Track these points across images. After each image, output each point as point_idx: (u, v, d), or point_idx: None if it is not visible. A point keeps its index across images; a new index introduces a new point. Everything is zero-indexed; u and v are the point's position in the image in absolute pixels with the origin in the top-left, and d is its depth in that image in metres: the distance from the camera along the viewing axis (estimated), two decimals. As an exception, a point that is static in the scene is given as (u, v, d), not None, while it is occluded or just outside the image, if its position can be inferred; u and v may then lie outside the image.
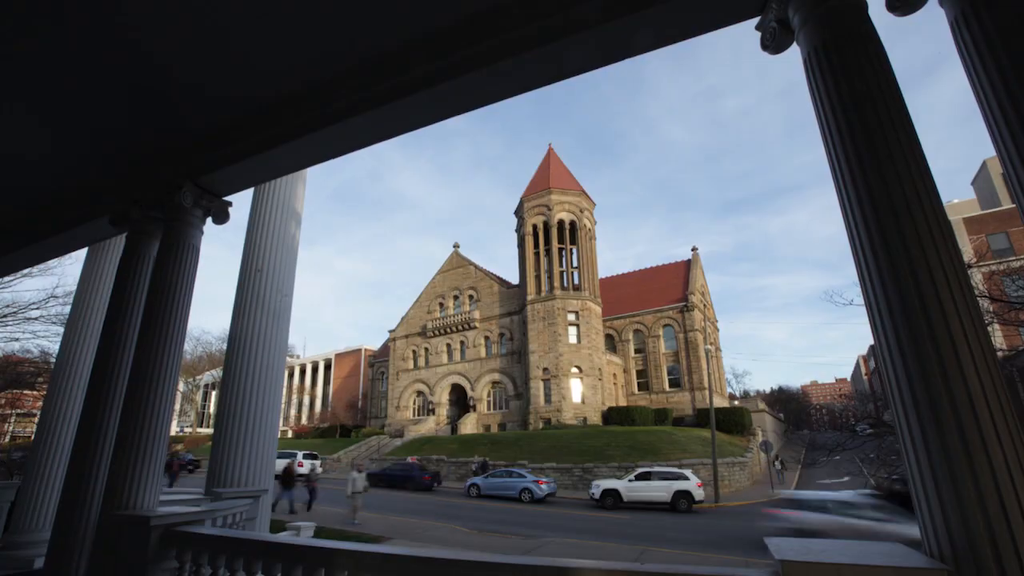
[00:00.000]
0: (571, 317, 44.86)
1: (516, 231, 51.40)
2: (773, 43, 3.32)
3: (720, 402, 46.91)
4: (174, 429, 62.11)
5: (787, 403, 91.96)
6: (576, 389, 42.96)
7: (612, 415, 42.12)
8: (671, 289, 51.42)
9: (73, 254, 7.91)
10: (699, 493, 21.81)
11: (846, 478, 31.77)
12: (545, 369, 43.76)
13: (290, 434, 63.92)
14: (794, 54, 3.31)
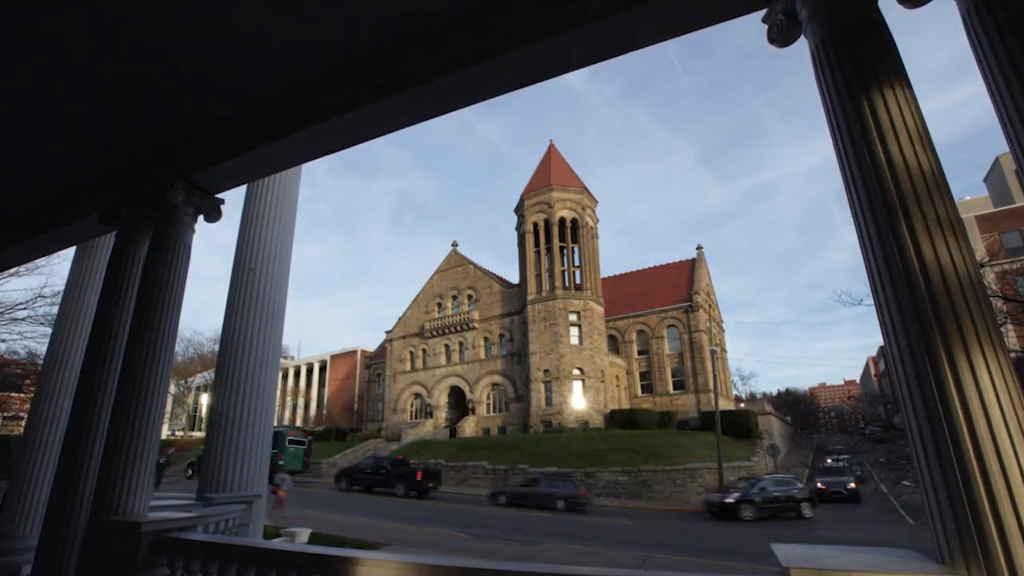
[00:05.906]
0: (573, 317, 44.43)
1: (516, 229, 50.77)
2: (780, 36, 3.27)
3: (726, 404, 46.65)
4: (165, 432, 61.65)
5: (794, 405, 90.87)
6: (578, 391, 42.63)
7: (615, 418, 41.73)
8: (675, 289, 51.02)
9: (61, 253, 7.83)
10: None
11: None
12: (546, 371, 43.43)
13: (285, 437, 63.34)
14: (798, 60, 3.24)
